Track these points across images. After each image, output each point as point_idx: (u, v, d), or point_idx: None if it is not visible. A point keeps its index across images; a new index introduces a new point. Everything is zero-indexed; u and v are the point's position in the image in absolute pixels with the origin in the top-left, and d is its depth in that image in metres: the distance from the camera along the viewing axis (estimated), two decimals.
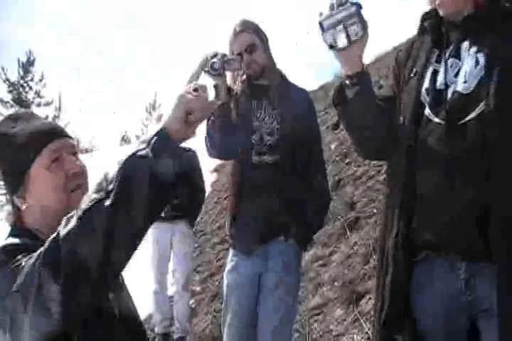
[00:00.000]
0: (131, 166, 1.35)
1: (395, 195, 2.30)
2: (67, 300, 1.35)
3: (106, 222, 1.31)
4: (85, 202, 1.36)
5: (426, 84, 2.28)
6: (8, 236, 1.70)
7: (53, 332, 1.40)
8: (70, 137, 1.81)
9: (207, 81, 3.45)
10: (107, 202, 1.32)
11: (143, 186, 1.33)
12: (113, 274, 1.39)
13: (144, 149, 1.39)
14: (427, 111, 2.24)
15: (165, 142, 1.43)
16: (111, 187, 1.32)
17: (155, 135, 1.43)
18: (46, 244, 1.39)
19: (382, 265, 2.32)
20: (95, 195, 1.35)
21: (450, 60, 2.24)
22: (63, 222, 1.38)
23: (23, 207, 1.70)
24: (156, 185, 1.35)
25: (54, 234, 1.38)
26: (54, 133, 1.75)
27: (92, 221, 1.33)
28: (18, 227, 1.73)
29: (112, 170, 1.37)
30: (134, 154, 1.38)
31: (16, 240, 1.65)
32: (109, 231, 1.31)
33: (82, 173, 1.73)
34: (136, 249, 1.42)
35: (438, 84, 2.25)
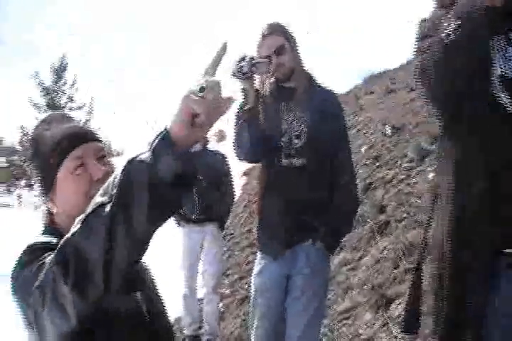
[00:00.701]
0: (131, 170, 1.31)
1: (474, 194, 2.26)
2: (77, 299, 1.36)
3: (106, 226, 1.30)
4: (91, 206, 1.37)
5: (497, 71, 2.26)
6: (39, 235, 1.75)
7: (70, 329, 1.42)
8: (99, 140, 1.82)
9: (226, 82, 3.48)
10: (108, 206, 1.30)
11: (142, 190, 1.28)
12: (118, 276, 1.37)
13: (145, 152, 1.32)
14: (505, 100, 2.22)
15: (166, 145, 1.31)
16: (114, 191, 1.31)
17: (157, 137, 1.33)
18: (59, 244, 1.40)
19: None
20: (100, 199, 1.34)
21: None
22: (74, 224, 1.40)
23: (54, 210, 1.74)
24: (156, 190, 1.29)
25: (66, 235, 1.40)
26: (81, 138, 1.76)
27: (94, 224, 1.33)
28: (49, 227, 1.77)
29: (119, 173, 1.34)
30: (134, 158, 1.32)
31: (44, 238, 1.68)
32: (110, 234, 1.30)
33: (106, 179, 1.74)
34: (141, 253, 1.40)
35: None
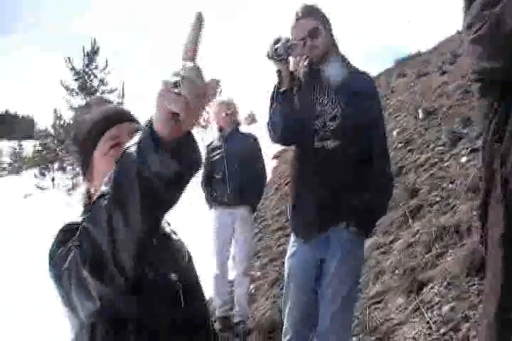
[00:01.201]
0: (121, 162, 1.26)
1: None
2: (97, 284, 1.38)
3: (104, 218, 1.29)
4: (97, 194, 1.36)
5: None
6: (79, 216, 1.77)
7: (97, 310, 1.46)
8: (134, 121, 1.83)
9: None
10: (106, 198, 1.29)
11: (133, 185, 1.23)
12: (130, 263, 1.36)
13: (132, 146, 1.25)
14: None
15: (149, 139, 1.21)
16: (111, 183, 1.29)
17: (143, 129, 1.24)
18: (79, 228, 1.41)
19: None
20: (103, 188, 1.33)
21: None
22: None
23: (92, 190, 1.77)
24: (146, 185, 1.22)
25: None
26: (115, 119, 1.78)
27: (96, 213, 1.32)
28: (87, 207, 1.78)
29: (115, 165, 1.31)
30: (125, 150, 1.26)
31: (81, 219, 1.70)
32: (109, 225, 1.29)
33: None
34: (143, 245, 1.35)
35: None
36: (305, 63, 3.64)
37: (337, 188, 3.46)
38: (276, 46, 3.31)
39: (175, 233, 1.97)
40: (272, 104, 3.50)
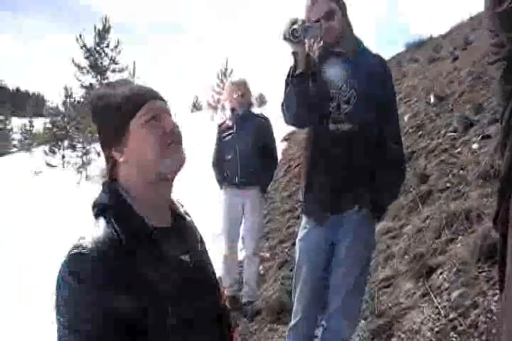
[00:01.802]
0: None
1: None
2: None
3: None
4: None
5: None
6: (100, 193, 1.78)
7: None
8: (165, 101, 1.85)
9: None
10: None
11: None
12: None
13: None
14: None
15: None
16: None
17: None
18: None
19: None
20: None
21: None
22: None
23: (121, 159, 1.75)
24: None
25: None
26: (153, 94, 1.81)
27: None
28: (108, 186, 1.79)
29: None
30: None
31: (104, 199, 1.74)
32: None
33: (177, 132, 1.78)
34: None
35: None
36: (320, 45, 3.62)
37: (350, 171, 3.47)
38: (293, 28, 3.29)
39: (188, 214, 1.98)
40: (286, 85, 3.49)
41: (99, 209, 1.72)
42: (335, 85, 3.53)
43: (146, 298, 1.60)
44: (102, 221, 1.68)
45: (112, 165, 1.79)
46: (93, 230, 1.65)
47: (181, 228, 1.88)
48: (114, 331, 1.54)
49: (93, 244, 1.58)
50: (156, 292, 1.63)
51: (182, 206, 1.99)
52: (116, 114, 1.74)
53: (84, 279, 1.54)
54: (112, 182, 1.79)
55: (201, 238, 2.01)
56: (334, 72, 3.56)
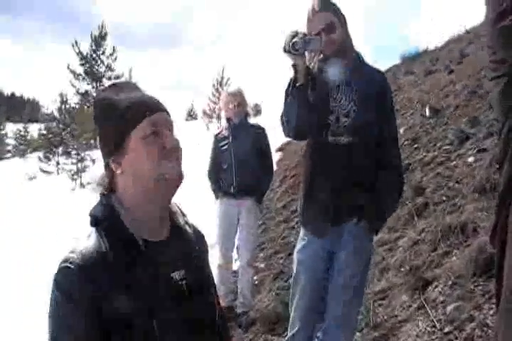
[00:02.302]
0: None
1: None
2: None
3: None
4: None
5: None
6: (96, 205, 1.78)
7: None
8: (168, 112, 1.82)
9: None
10: None
11: None
12: None
13: None
14: None
15: None
16: None
17: None
18: None
19: None
20: None
21: None
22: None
23: (118, 171, 1.73)
24: None
25: None
26: (156, 106, 1.77)
27: None
28: (104, 197, 1.77)
29: None
30: None
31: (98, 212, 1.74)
32: None
33: (177, 149, 1.75)
34: None
35: None
36: (320, 58, 3.64)
37: (349, 183, 3.48)
38: (293, 40, 3.31)
39: (189, 224, 1.95)
40: (286, 97, 3.50)
41: (93, 221, 1.72)
42: (335, 98, 3.55)
43: (131, 315, 1.60)
44: (93, 233, 1.69)
45: (110, 174, 1.78)
46: (84, 243, 1.66)
47: (178, 241, 1.83)
48: None
49: (80, 259, 1.60)
50: (142, 310, 1.62)
51: (184, 215, 1.95)
52: (118, 123, 1.71)
53: (69, 293, 1.57)
54: (109, 193, 1.78)
55: (204, 250, 2.00)
56: (334, 85, 3.58)
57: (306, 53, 3.45)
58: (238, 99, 6.31)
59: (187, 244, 1.87)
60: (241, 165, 6.19)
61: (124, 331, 1.58)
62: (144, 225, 1.73)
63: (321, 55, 3.63)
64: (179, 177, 1.74)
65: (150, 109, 1.74)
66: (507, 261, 2.38)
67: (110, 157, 1.74)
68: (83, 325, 1.56)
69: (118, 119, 1.71)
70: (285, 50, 3.37)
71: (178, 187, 1.76)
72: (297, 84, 3.42)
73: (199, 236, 2.00)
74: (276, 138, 9.34)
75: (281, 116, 3.56)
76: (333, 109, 3.54)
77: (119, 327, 1.58)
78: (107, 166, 1.78)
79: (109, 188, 1.79)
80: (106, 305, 1.57)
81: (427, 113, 10.05)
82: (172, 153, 1.73)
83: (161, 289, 1.69)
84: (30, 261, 9.99)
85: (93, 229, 1.70)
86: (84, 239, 1.68)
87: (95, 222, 1.71)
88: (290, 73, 3.49)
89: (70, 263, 1.59)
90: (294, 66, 3.44)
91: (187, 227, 1.92)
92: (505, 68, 2.47)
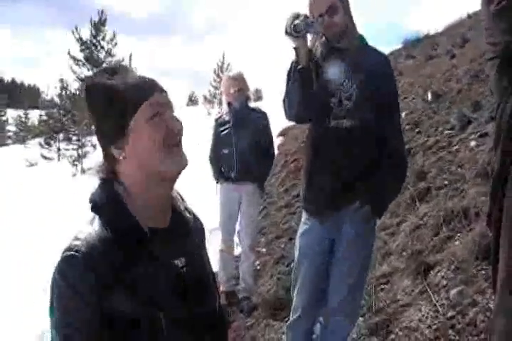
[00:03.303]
0: None
1: None
2: None
3: None
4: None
5: None
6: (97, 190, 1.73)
7: None
8: (167, 92, 1.77)
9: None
10: None
11: None
12: None
13: None
14: None
15: None
16: None
17: None
18: None
19: None
20: None
21: None
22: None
23: (121, 157, 1.68)
24: None
25: None
26: (154, 87, 1.72)
27: None
28: (105, 180, 1.73)
29: None
30: None
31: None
32: None
33: (181, 131, 1.71)
34: None
35: None
36: (322, 41, 3.60)
37: (351, 168, 3.46)
38: (295, 22, 3.27)
39: (188, 210, 1.92)
40: (288, 80, 3.47)
41: (94, 207, 1.69)
42: (337, 81, 3.51)
43: (136, 303, 1.58)
44: (96, 220, 1.65)
45: (111, 161, 1.73)
46: (87, 230, 1.63)
47: (179, 228, 1.81)
48: (99, 337, 1.55)
49: (85, 246, 1.57)
50: (147, 296, 1.61)
51: (183, 201, 1.92)
52: (116, 110, 1.66)
53: (73, 283, 1.54)
54: (109, 179, 1.73)
55: (201, 236, 1.98)
56: (336, 68, 3.54)
57: (308, 36, 3.41)
58: (239, 83, 6.26)
59: (187, 231, 1.85)
60: (242, 150, 6.15)
61: (129, 320, 1.57)
62: (149, 212, 1.70)
63: (323, 38, 3.59)
64: (182, 169, 1.72)
65: (149, 90, 1.69)
66: (501, 261, 2.39)
67: (111, 144, 1.69)
68: (87, 317, 1.54)
69: (117, 104, 1.66)
70: (286, 33, 3.33)
71: (181, 172, 1.72)
72: (298, 67, 3.39)
73: (198, 222, 1.97)
74: (278, 123, 9.31)
75: (283, 100, 3.54)
76: (335, 92, 3.50)
77: (125, 317, 1.56)
78: (107, 154, 1.73)
79: (110, 175, 1.74)
80: (111, 295, 1.55)
81: (429, 97, 10.03)
82: (176, 136, 1.69)
83: (165, 277, 1.68)
84: (32, 246, 9.99)
85: (95, 216, 1.67)
86: (88, 226, 1.64)
87: (96, 208, 1.68)
88: (292, 56, 3.46)
89: (76, 251, 1.56)
90: (296, 49, 3.41)
91: (186, 213, 1.88)
92: (498, 51, 2.46)
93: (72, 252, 1.56)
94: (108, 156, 1.73)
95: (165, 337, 1.63)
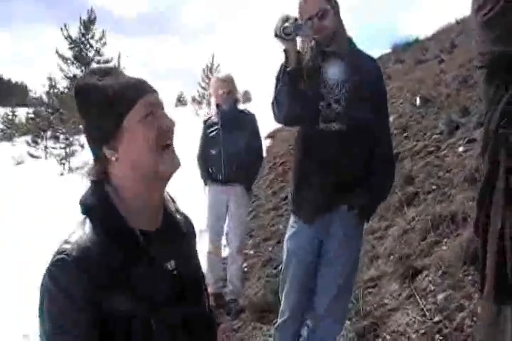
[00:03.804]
0: None
1: None
2: None
3: None
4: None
5: None
6: (88, 194, 1.71)
7: None
8: (158, 93, 1.77)
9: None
10: None
11: None
12: None
13: None
14: None
15: None
16: None
17: None
18: None
19: None
20: None
21: None
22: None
23: (113, 158, 1.67)
24: None
25: None
26: (147, 87, 1.72)
27: None
28: (95, 185, 1.71)
29: None
30: None
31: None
32: None
33: (172, 128, 1.72)
34: None
35: None
36: (311, 44, 3.61)
37: (340, 171, 3.47)
38: (284, 25, 3.28)
39: (179, 211, 1.91)
40: (277, 83, 3.47)
41: (85, 210, 1.67)
42: (326, 84, 3.52)
43: (136, 303, 1.58)
44: (87, 223, 1.64)
45: (102, 162, 1.71)
46: (78, 233, 1.61)
47: (171, 229, 1.80)
48: (93, 339, 1.53)
49: (76, 250, 1.55)
50: (145, 297, 1.61)
51: (174, 202, 1.91)
52: (109, 111, 1.64)
53: (65, 287, 1.52)
54: (100, 181, 1.71)
55: (193, 237, 1.97)
56: (326, 72, 3.55)
57: (298, 39, 3.42)
58: (228, 85, 6.26)
59: (179, 233, 1.84)
60: (230, 152, 6.15)
61: (123, 325, 1.56)
62: (141, 215, 1.70)
63: (313, 42, 3.60)
64: (178, 166, 1.72)
65: (141, 90, 1.69)
66: (489, 267, 2.42)
67: (103, 144, 1.67)
68: (81, 321, 1.52)
69: (111, 104, 1.65)
70: (276, 35, 3.33)
71: (175, 172, 1.72)
72: (288, 69, 3.40)
73: (188, 224, 1.95)
74: (266, 125, 9.29)
75: (272, 102, 3.54)
76: (325, 95, 3.51)
77: (118, 321, 1.55)
78: (98, 155, 1.71)
79: (100, 176, 1.72)
80: (104, 298, 1.54)
81: (418, 102, 10.06)
82: (169, 136, 1.70)
83: (158, 280, 1.67)
84: (20, 244, 9.95)
85: (86, 219, 1.66)
86: (78, 229, 1.63)
87: (87, 210, 1.67)
88: (281, 58, 3.47)
89: (66, 255, 1.54)
90: (285, 51, 3.41)
91: (177, 214, 1.88)
92: (486, 60, 2.49)
93: (62, 255, 1.55)
94: (99, 157, 1.71)
95: (161, 338, 1.63)
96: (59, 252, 1.56)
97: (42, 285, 1.56)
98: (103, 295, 1.53)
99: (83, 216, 1.67)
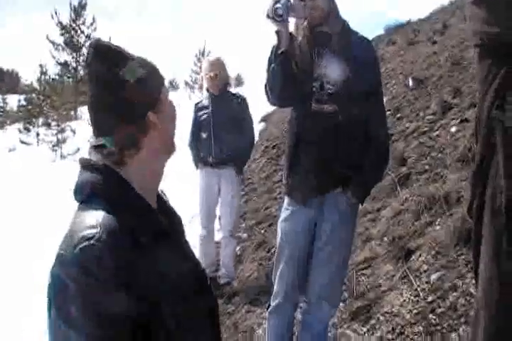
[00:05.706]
0: None
1: None
2: None
3: None
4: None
5: None
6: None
7: None
8: None
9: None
10: None
11: None
12: None
13: None
14: None
15: None
16: None
17: None
18: None
19: None
20: None
21: None
22: None
23: (157, 121, 1.61)
24: None
25: None
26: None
27: None
28: (106, 168, 1.59)
29: None
30: None
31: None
32: None
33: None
34: None
35: None
36: (304, 24, 3.57)
37: (333, 152, 3.44)
38: (276, 6, 3.24)
39: (164, 193, 1.85)
40: (269, 65, 3.44)
41: (99, 192, 1.55)
42: (319, 65, 3.49)
43: (157, 291, 1.50)
44: (98, 207, 1.51)
45: (132, 139, 1.59)
46: (96, 217, 1.48)
47: (165, 210, 1.75)
48: (126, 333, 1.41)
49: (106, 234, 1.43)
50: (169, 284, 1.54)
51: (164, 195, 1.86)
52: (155, 76, 1.66)
53: (99, 276, 1.39)
54: (114, 165, 1.60)
55: (177, 226, 1.90)
56: (318, 52, 3.51)
57: (290, 20, 3.38)
58: (217, 68, 6.23)
59: (173, 213, 1.81)
60: (219, 135, 6.15)
61: (151, 308, 1.46)
62: (151, 195, 1.66)
63: (306, 23, 3.55)
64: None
65: (162, 78, 1.73)
66: (484, 251, 2.40)
67: (150, 109, 1.60)
68: (114, 312, 1.39)
69: (155, 70, 1.67)
70: (268, 16, 3.30)
71: None
72: (280, 51, 3.36)
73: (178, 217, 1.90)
74: (260, 108, 9.26)
75: (265, 84, 3.51)
76: (318, 76, 3.48)
77: (148, 304, 1.46)
78: (124, 135, 1.58)
79: (117, 158, 1.60)
80: (135, 284, 1.43)
81: (410, 83, 10.04)
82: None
83: (183, 266, 1.65)
84: (13, 232, 9.91)
85: (89, 204, 1.53)
86: (99, 213, 1.49)
87: (103, 192, 1.54)
88: (273, 40, 3.43)
89: (97, 240, 1.42)
90: (277, 32, 3.38)
91: (164, 196, 1.83)
92: (477, 39, 2.47)
93: (91, 241, 1.42)
94: (125, 138, 1.59)
95: (190, 328, 1.61)
96: (85, 239, 1.43)
97: (64, 277, 1.42)
98: (134, 280, 1.43)
99: (81, 201, 1.57)
